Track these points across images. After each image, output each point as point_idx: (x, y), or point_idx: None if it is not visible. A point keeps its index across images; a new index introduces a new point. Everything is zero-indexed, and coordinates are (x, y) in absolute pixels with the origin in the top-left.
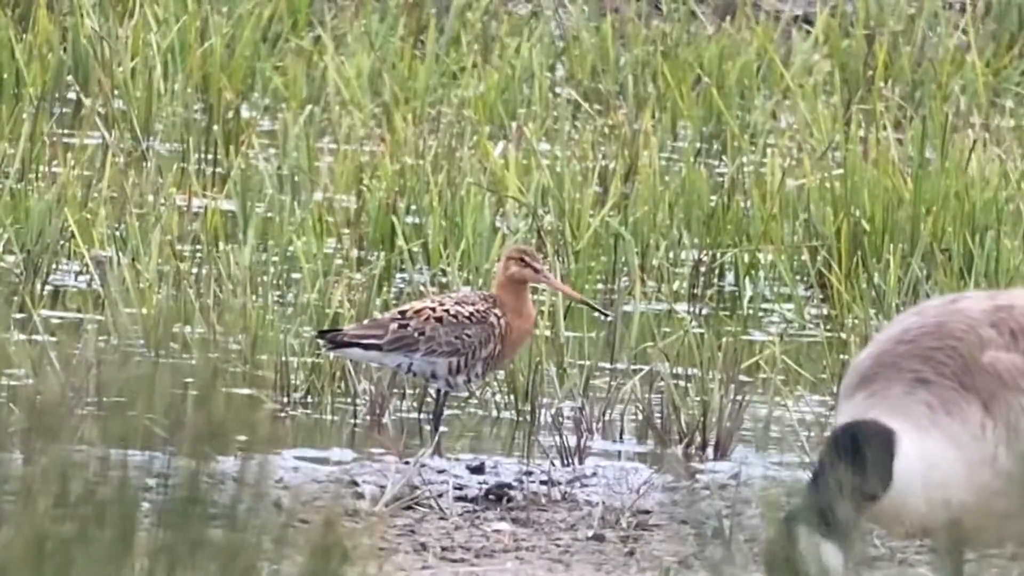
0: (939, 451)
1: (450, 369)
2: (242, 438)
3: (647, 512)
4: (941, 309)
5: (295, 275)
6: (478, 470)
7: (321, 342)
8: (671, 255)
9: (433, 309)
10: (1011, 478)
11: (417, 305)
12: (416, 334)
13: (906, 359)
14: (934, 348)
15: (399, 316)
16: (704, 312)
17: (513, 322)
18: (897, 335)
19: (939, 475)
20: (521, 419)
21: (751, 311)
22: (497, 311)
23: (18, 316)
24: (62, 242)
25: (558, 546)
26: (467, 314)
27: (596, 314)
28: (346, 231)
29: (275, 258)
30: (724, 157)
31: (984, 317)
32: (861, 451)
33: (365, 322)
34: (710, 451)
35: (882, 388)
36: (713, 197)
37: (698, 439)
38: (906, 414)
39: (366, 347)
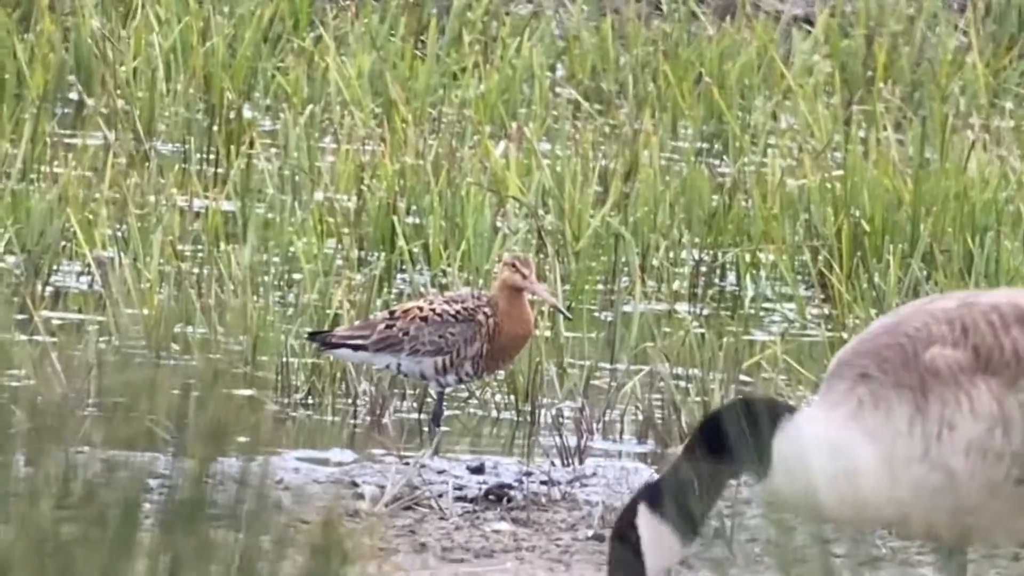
0: (851, 444)
1: (436, 368)
2: (243, 439)
3: None
4: (911, 308)
5: (296, 275)
6: (478, 470)
7: (313, 344)
8: (672, 255)
9: (420, 308)
10: (952, 474)
11: (407, 305)
12: (401, 334)
13: (860, 356)
14: (885, 345)
15: (389, 316)
16: (705, 312)
17: (504, 325)
18: (864, 334)
19: (849, 466)
20: (521, 419)
21: (752, 311)
22: (487, 310)
23: (19, 317)
24: (63, 243)
25: (558, 546)
26: (452, 312)
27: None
28: (346, 231)
29: (276, 259)
30: (725, 157)
31: (944, 315)
32: (739, 426)
33: (356, 323)
34: None
35: (834, 383)
36: (714, 197)
37: None
38: (838, 407)
39: (355, 348)
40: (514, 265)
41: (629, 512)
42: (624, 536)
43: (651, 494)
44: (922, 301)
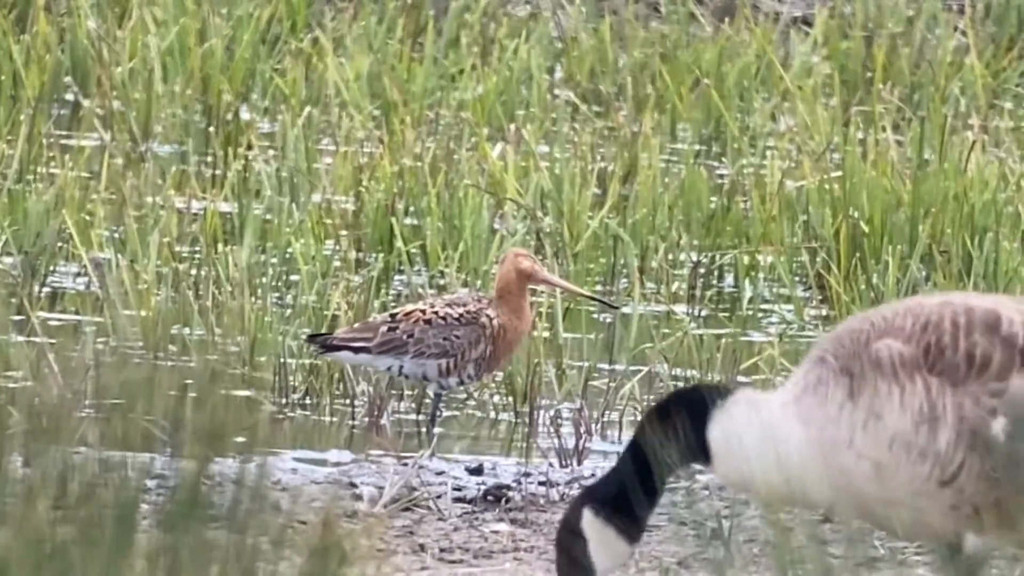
0: (783, 425)
1: (440, 371)
2: (241, 440)
3: None
4: (897, 302)
5: (294, 277)
6: (477, 471)
7: (312, 347)
8: (670, 256)
9: (423, 311)
10: (879, 466)
11: (408, 307)
12: (404, 336)
13: (828, 340)
14: (849, 331)
15: (390, 319)
16: (703, 313)
17: (511, 322)
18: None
19: (778, 448)
20: (520, 420)
21: (750, 312)
22: (489, 312)
23: (17, 318)
24: (60, 244)
25: None
26: (456, 315)
27: (606, 316)
28: (344, 233)
29: (273, 260)
30: (723, 159)
31: (917, 309)
32: (678, 415)
33: (356, 325)
34: None
35: (801, 365)
36: (712, 199)
37: None
38: (785, 389)
39: (356, 350)
40: (530, 257)
41: (573, 516)
42: (570, 540)
43: (593, 497)
44: (918, 297)
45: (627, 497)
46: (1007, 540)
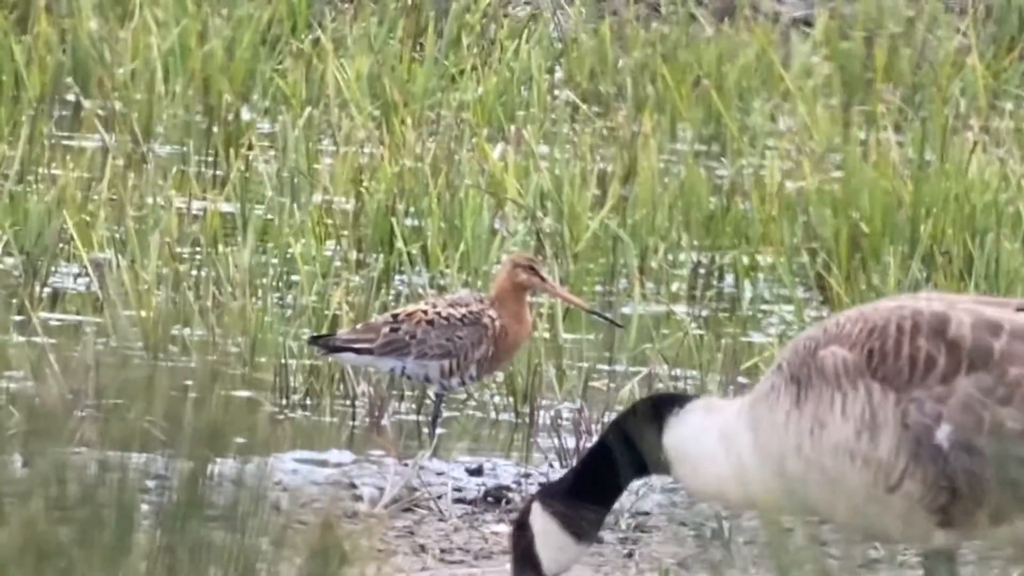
0: (736, 432)
1: (443, 371)
2: (241, 440)
3: (646, 514)
4: (856, 308)
5: (294, 277)
6: (477, 472)
7: (315, 348)
8: (670, 257)
9: (425, 312)
10: (827, 473)
11: (410, 308)
12: (407, 337)
13: (788, 347)
14: (806, 338)
15: (392, 320)
16: (703, 314)
17: (511, 327)
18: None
19: (728, 455)
20: (520, 421)
21: (750, 313)
22: (491, 312)
23: (17, 318)
24: (61, 244)
25: None
26: (459, 316)
27: (604, 321)
28: (345, 233)
29: (274, 260)
30: (723, 159)
31: (871, 314)
32: (640, 423)
33: (358, 326)
34: None
35: (764, 374)
36: (712, 199)
37: None
38: (743, 397)
39: (359, 352)
40: (531, 268)
41: (524, 510)
42: (519, 534)
43: (547, 493)
44: (877, 302)
45: (578, 495)
46: (977, 539)
